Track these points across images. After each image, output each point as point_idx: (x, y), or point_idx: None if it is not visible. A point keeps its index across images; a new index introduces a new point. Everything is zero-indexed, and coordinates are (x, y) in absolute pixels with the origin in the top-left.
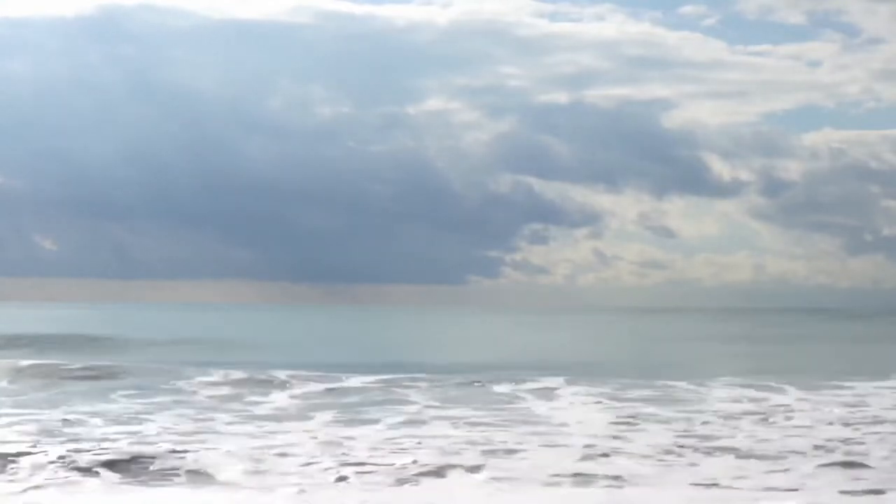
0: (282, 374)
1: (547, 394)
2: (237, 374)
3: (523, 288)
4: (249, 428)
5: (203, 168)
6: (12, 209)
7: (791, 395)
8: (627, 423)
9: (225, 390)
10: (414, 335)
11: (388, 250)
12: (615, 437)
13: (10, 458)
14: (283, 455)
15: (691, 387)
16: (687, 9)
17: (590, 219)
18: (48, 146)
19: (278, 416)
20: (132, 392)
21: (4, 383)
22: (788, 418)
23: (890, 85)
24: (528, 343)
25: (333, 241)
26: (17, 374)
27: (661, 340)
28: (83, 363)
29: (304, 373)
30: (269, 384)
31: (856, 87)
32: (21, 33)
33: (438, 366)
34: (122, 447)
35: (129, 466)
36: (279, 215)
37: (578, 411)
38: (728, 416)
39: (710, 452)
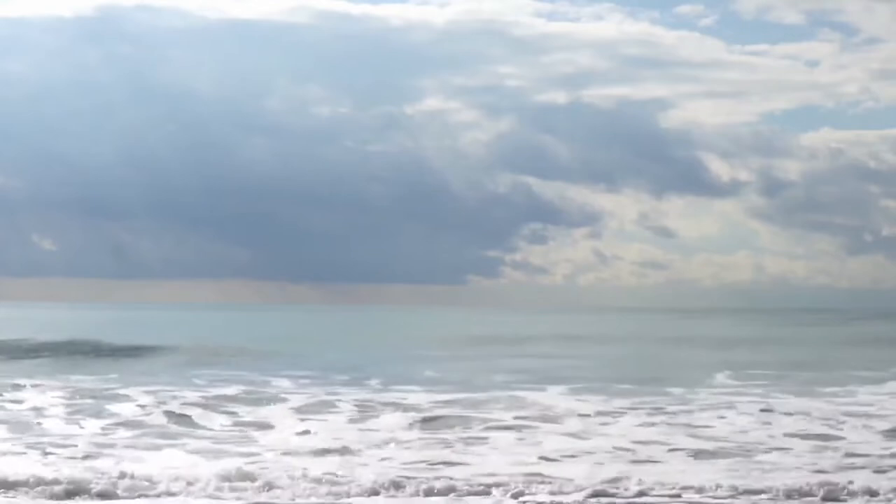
0: None
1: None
2: None
3: (523, 288)
4: None
5: (201, 168)
6: (10, 209)
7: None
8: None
9: None
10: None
11: (388, 250)
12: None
13: None
14: None
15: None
16: (684, 8)
17: (589, 219)
18: (46, 146)
19: None
20: None
21: None
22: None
23: (888, 84)
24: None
25: (332, 241)
26: None
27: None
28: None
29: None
30: None
31: (854, 86)
32: (19, 33)
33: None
34: None
35: None
36: (278, 215)
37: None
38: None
39: None
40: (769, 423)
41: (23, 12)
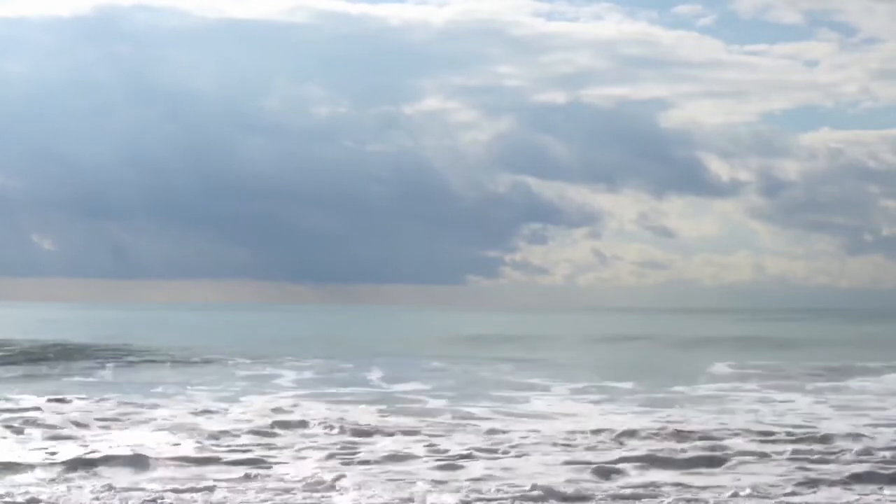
0: None
1: None
2: None
3: (523, 288)
4: None
5: (201, 168)
6: (10, 209)
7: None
8: None
9: None
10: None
11: (388, 250)
12: None
13: None
14: None
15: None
16: (682, 8)
17: (589, 219)
18: (45, 146)
19: None
20: None
21: None
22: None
23: (887, 84)
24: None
25: (332, 241)
26: None
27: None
28: None
29: None
30: None
31: (853, 86)
32: (18, 33)
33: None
34: None
35: None
36: (277, 215)
37: None
38: None
39: None
40: (760, 422)
41: (22, 12)
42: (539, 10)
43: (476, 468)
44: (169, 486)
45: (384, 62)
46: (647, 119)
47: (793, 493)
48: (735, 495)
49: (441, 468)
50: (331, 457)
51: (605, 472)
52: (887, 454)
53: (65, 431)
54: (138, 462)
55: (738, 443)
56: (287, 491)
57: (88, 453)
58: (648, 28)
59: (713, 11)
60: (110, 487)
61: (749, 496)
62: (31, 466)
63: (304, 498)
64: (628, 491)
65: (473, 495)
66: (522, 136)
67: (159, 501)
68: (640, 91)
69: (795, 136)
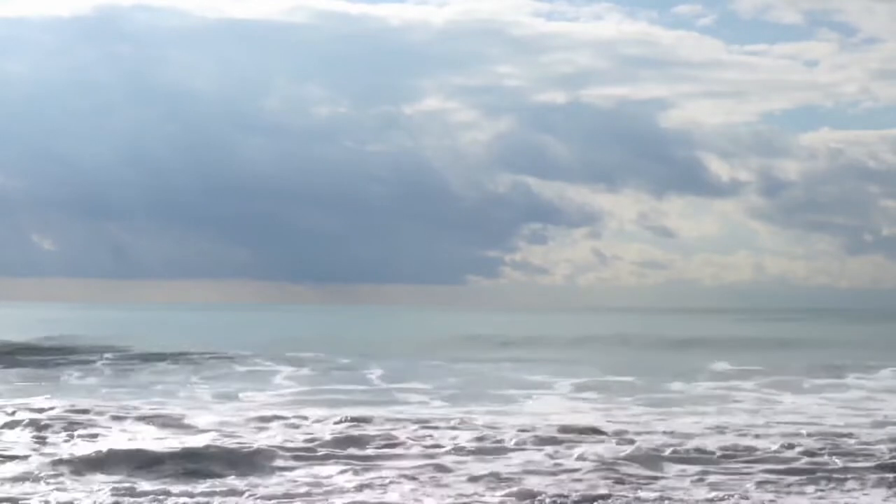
0: None
1: None
2: None
3: (523, 288)
4: None
5: (201, 168)
6: (10, 209)
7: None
8: None
9: None
10: None
11: (388, 250)
12: None
13: None
14: None
15: None
16: (682, 8)
17: (589, 218)
18: (45, 146)
19: None
20: None
21: None
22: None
23: (888, 84)
24: None
25: (332, 241)
26: None
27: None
28: None
29: None
30: None
31: (853, 86)
32: (18, 33)
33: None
34: None
35: None
36: (277, 215)
37: None
38: None
39: None
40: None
41: (22, 12)
42: (539, 10)
43: (476, 467)
44: (167, 484)
45: (384, 62)
46: (647, 119)
47: (790, 492)
48: (733, 494)
49: (440, 467)
50: (329, 455)
51: (604, 472)
52: (885, 452)
53: (62, 429)
54: (136, 459)
55: (737, 441)
56: (284, 490)
57: (86, 451)
58: (648, 28)
59: (713, 11)
60: (108, 485)
61: (747, 495)
62: (28, 464)
63: (302, 497)
64: (628, 490)
65: (471, 497)
66: (522, 136)
67: (157, 499)
68: (640, 91)
69: (795, 136)
